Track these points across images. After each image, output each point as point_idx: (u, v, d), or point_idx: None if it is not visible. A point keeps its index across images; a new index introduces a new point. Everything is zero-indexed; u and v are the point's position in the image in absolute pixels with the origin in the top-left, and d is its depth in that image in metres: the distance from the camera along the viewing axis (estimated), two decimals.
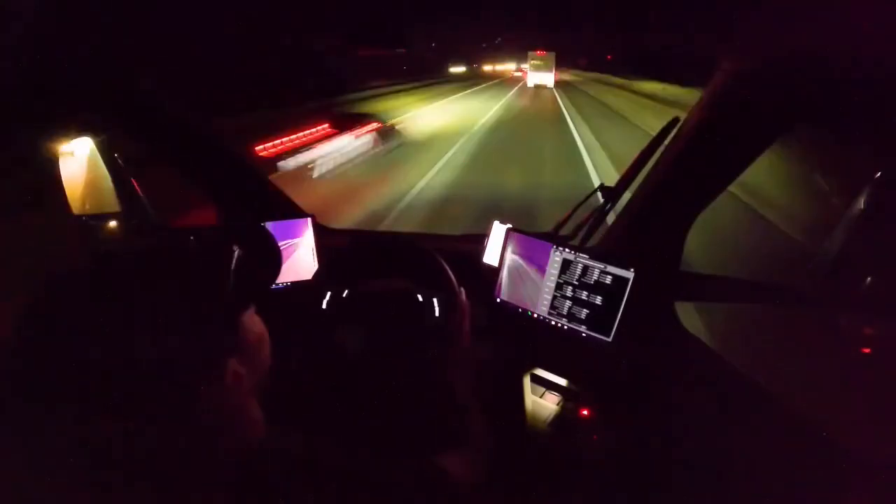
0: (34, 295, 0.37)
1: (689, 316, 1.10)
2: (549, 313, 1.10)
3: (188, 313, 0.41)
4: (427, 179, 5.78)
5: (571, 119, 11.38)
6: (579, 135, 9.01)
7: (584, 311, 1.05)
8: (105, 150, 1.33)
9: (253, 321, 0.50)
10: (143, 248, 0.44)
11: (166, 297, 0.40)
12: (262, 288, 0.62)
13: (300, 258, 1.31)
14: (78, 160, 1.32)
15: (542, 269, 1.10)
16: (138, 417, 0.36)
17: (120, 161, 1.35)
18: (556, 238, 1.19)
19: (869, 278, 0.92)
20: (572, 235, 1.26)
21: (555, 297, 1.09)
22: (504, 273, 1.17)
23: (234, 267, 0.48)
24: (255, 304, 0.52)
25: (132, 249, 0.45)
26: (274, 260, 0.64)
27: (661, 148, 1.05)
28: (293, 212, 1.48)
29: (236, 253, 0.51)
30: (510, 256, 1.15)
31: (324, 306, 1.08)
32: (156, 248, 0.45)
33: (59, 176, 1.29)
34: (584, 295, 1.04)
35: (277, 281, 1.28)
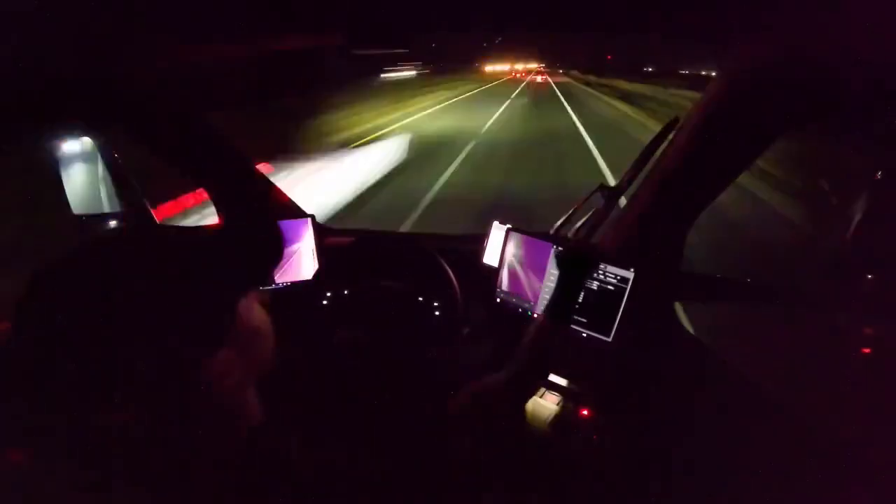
0: (32, 292, 0.37)
1: (689, 316, 1.10)
2: None
3: (176, 303, 0.40)
4: None
5: None
6: None
7: (585, 312, 1.05)
8: (105, 150, 1.33)
9: (250, 310, 0.49)
10: (132, 241, 0.44)
11: (155, 289, 0.40)
12: (261, 275, 0.61)
13: (300, 258, 1.31)
14: (78, 160, 1.33)
15: (541, 269, 1.10)
16: (134, 408, 0.36)
17: (120, 161, 1.35)
18: (556, 238, 1.19)
19: (869, 278, 0.93)
20: (572, 235, 1.26)
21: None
22: (504, 273, 1.17)
23: (230, 255, 0.48)
24: (256, 293, 0.51)
25: (123, 242, 0.44)
26: (275, 246, 0.64)
27: (662, 148, 1.05)
28: (293, 212, 1.48)
29: (234, 242, 0.51)
30: (510, 256, 1.15)
31: (324, 306, 1.08)
32: (146, 240, 0.44)
33: (60, 176, 1.29)
34: (584, 295, 1.04)
35: (277, 281, 1.28)
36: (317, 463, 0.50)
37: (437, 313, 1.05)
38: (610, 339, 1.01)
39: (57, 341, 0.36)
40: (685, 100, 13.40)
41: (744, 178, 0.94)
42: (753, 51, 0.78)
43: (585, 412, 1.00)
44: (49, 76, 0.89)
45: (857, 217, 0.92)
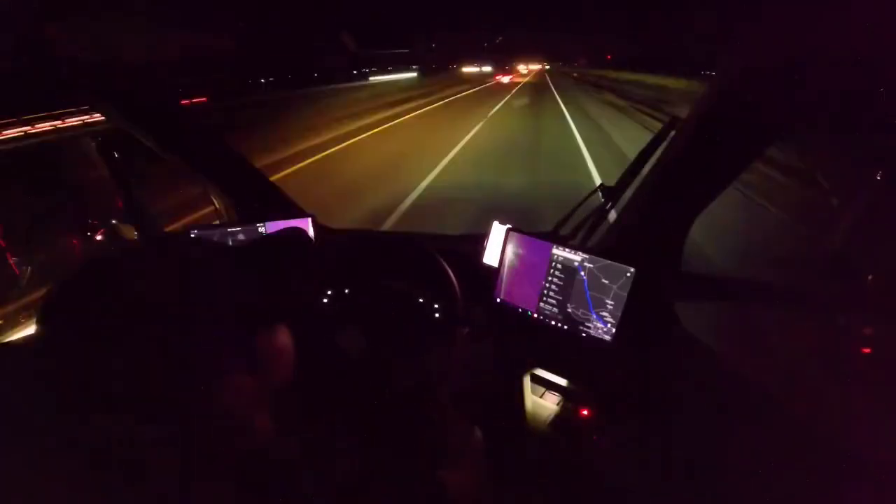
0: (37, 295, 0.37)
1: (689, 316, 1.10)
2: (549, 313, 1.10)
3: (186, 328, 0.39)
4: None
5: None
6: None
7: (584, 312, 1.05)
8: (105, 150, 1.33)
9: (271, 338, 0.47)
10: (144, 256, 0.43)
11: (166, 311, 0.38)
12: (294, 303, 0.54)
13: None
14: (78, 160, 1.33)
15: (541, 269, 1.10)
16: (139, 418, 0.36)
17: (120, 161, 1.35)
18: (556, 238, 1.19)
19: (869, 278, 0.93)
20: (572, 235, 1.26)
21: (555, 297, 1.09)
22: (504, 273, 1.17)
23: (248, 280, 0.45)
24: (284, 319, 0.49)
25: (135, 255, 0.43)
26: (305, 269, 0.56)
27: (662, 147, 1.05)
28: (293, 211, 1.48)
29: (257, 264, 0.47)
30: (510, 256, 1.15)
31: (324, 306, 1.08)
32: (158, 255, 0.43)
33: (60, 176, 1.29)
34: (584, 295, 1.04)
35: None
36: (316, 463, 0.50)
37: (437, 313, 1.05)
38: (610, 339, 1.01)
39: (59, 345, 0.36)
40: None
41: (744, 177, 0.94)
42: (753, 51, 0.78)
43: (585, 412, 1.00)
44: (49, 75, 0.89)
45: (857, 217, 0.92)
